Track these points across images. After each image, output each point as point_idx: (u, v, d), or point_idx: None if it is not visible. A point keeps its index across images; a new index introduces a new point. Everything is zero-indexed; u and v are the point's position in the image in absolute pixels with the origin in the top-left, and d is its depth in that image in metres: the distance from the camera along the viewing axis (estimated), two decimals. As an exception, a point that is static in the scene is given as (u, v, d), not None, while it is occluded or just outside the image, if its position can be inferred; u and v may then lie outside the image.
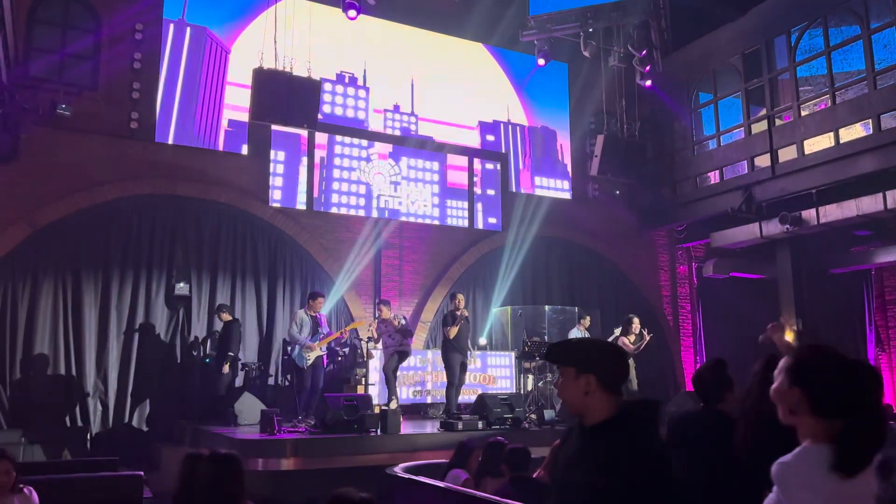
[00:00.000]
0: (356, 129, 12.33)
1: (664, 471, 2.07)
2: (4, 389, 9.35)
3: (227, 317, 9.92)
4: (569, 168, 14.37)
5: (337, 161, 12.06)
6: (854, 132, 10.98)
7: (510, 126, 13.96)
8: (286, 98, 9.37)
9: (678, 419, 3.81)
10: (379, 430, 8.12)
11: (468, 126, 13.48)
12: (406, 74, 12.95)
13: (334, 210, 11.88)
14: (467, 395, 10.10)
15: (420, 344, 11.91)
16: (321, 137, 11.92)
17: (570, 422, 2.35)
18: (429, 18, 13.13)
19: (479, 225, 13.16)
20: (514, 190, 13.65)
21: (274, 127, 11.01)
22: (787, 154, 11.91)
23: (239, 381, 10.29)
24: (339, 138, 12.12)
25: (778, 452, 1.97)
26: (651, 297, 14.46)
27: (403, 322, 9.45)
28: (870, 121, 10.67)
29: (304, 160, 11.77)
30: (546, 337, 11.31)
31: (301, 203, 11.64)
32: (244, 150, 11.38)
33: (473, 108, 13.52)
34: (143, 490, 5.82)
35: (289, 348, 9.58)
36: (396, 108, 12.85)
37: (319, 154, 11.92)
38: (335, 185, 11.97)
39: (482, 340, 12.17)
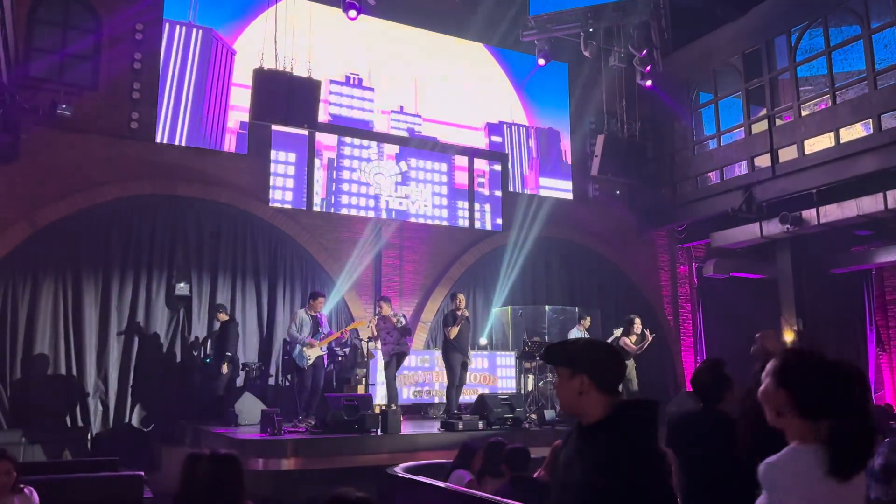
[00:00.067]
0: (355, 129, 12.33)
1: (655, 471, 2.08)
2: (5, 389, 9.35)
3: (224, 317, 9.93)
4: (569, 168, 14.39)
5: (337, 161, 12.06)
6: (854, 132, 10.98)
7: (516, 127, 13.98)
8: (286, 98, 9.37)
9: (678, 419, 3.81)
10: (379, 430, 8.11)
11: (474, 127, 13.51)
12: (407, 75, 12.95)
13: (334, 210, 11.89)
14: (468, 396, 10.10)
15: (420, 344, 11.92)
16: (330, 139, 11.97)
17: (569, 422, 2.36)
18: (429, 18, 13.13)
19: (487, 226, 13.16)
20: (519, 191, 13.67)
21: (282, 129, 11.07)
22: (787, 154, 11.91)
23: (240, 382, 10.30)
24: (342, 139, 12.13)
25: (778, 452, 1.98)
26: (651, 297, 14.46)
27: (403, 321, 9.45)
28: (870, 121, 10.66)
29: (317, 161, 11.82)
30: (546, 337, 11.31)
31: (317, 205, 11.69)
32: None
33: (475, 109, 13.52)
34: (143, 490, 5.82)
35: (289, 348, 9.59)
36: (401, 110, 12.87)
37: (328, 155, 11.96)
38: (335, 186, 11.97)
39: (482, 340, 12.17)
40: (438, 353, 10.30)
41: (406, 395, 10.76)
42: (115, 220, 10.25)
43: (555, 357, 2.31)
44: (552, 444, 4.50)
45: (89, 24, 10.67)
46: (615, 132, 12.84)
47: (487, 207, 13.24)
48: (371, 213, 12.12)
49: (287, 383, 10.61)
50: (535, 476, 4.42)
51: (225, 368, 9.56)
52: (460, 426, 8.48)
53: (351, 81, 12.50)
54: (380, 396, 9.90)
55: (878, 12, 10.82)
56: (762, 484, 1.91)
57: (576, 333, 10.67)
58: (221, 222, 10.97)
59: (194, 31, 11.32)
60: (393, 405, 9.08)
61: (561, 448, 2.39)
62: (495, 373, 11.48)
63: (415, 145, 12.72)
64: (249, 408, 9.15)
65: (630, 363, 10.39)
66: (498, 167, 13.57)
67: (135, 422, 9.98)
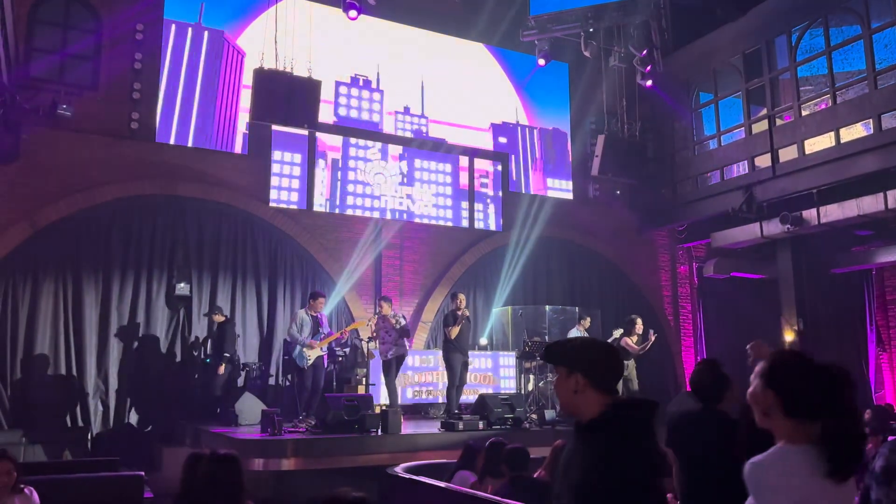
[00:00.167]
0: (356, 130, 12.33)
1: (646, 470, 2.08)
2: (5, 389, 9.35)
3: (220, 318, 9.92)
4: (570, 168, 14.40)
5: (341, 162, 12.07)
6: (855, 132, 10.97)
7: (522, 128, 14.00)
8: (286, 98, 9.38)
9: (678, 419, 3.81)
10: (380, 430, 8.11)
11: (480, 128, 13.54)
12: (410, 76, 12.97)
13: (338, 210, 11.88)
14: (468, 395, 10.10)
15: (421, 344, 11.93)
16: (336, 140, 12.01)
17: (570, 422, 2.37)
18: (429, 18, 13.14)
19: (488, 226, 13.17)
20: (526, 192, 13.68)
21: (286, 129, 11.13)
22: (787, 154, 11.90)
23: (240, 382, 10.31)
24: (347, 140, 12.15)
25: None
26: (652, 297, 14.46)
27: (402, 322, 9.42)
28: (870, 120, 10.66)
29: (320, 162, 11.86)
30: (547, 337, 11.32)
31: (319, 205, 11.72)
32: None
33: (477, 109, 13.53)
34: (143, 490, 5.83)
35: (289, 348, 9.58)
36: (406, 110, 12.88)
37: (333, 156, 11.99)
38: (339, 186, 11.97)
39: (483, 340, 12.17)
40: (439, 354, 10.32)
41: (407, 395, 10.76)
42: (115, 220, 10.25)
43: (552, 356, 2.33)
44: (552, 444, 4.51)
45: (90, 25, 10.67)
46: (615, 132, 12.84)
47: (488, 208, 13.24)
48: (375, 214, 12.12)
49: (287, 383, 10.61)
50: (535, 476, 4.43)
51: (222, 369, 9.56)
52: (460, 426, 8.48)
53: (358, 83, 12.52)
54: (381, 396, 9.90)
55: (878, 12, 10.82)
56: (748, 484, 1.92)
57: (575, 333, 10.67)
58: (221, 222, 10.97)
59: (205, 33, 11.38)
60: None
61: (562, 448, 2.40)
62: (498, 373, 11.49)
63: (416, 146, 12.73)
64: (250, 408, 9.15)
65: (630, 363, 10.40)
66: (499, 167, 13.58)
67: (135, 422, 9.97)
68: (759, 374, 1.99)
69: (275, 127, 10.99)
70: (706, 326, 14.89)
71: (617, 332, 10.77)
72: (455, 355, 9.23)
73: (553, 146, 14.29)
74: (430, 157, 12.83)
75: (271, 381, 10.84)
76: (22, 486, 4.56)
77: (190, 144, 11.02)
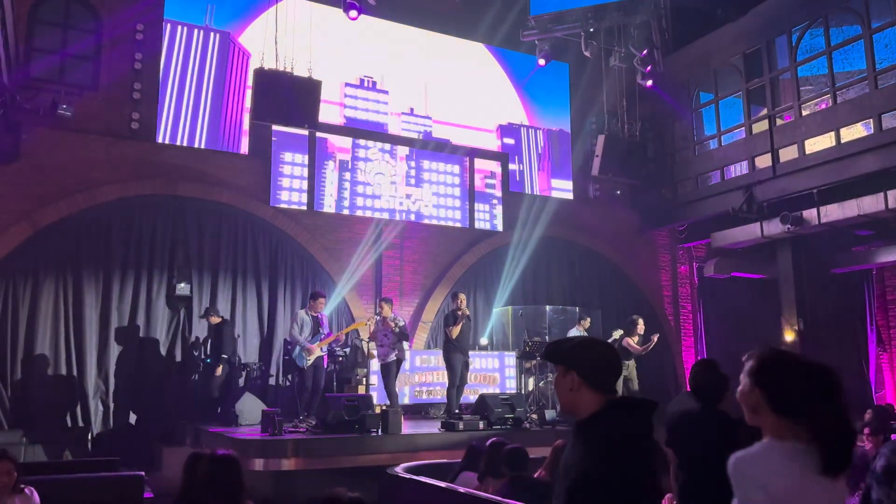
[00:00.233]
0: (356, 130, 12.33)
1: (635, 468, 2.09)
2: (6, 390, 9.35)
3: (216, 319, 9.89)
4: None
5: (344, 163, 12.06)
6: (855, 132, 10.97)
7: (527, 129, 14.02)
8: (287, 98, 9.38)
9: (678, 419, 3.82)
10: (380, 430, 8.11)
11: (486, 129, 13.60)
12: (409, 76, 12.96)
13: (346, 210, 11.88)
14: (469, 395, 10.10)
15: (421, 344, 11.93)
16: (344, 141, 12.06)
17: (570, 421, 2.38)
18: (429, 18, 13.13)
19: (492, 226, 13.18)
20: (532, 192, 13.72)
21: (294, 131, 11.23)
22: (788, 154, 11.90)
23: (241, 382, 10.31)
24: (356, 141, 12.19)
25: None
26: (652, 297, 14.46)
27: (402, 325, 9.36)
28: (871, 120, 10.66)
29: (329, 164, 11.90)
30: (547, 337, 11.32)
31: (329, 206, 11.75)
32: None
33: (479, 110, 13.54)
34: (143, 490, 5.83)
35: (290, 348, 9.58)
36: (411, 111, 12.92)
37: (341, 157, 12.02)
38: (348, 186, 11.97)
39: (483, 340, 12.18)
40: (439, 354, 10.33)
41: (407, 395, 10.76)
42: (115, 220, 10.25)
43: (550, 355, 2.35)
44: (553, 444, 4.51)
45: (90, 25, 10.68)
46: (616, 132, 12.84)
47: (494, 209, 13.24)
48: (376, 214, 12.12)
49: (287, 383, 10.61)
50: (535, 476, 4.42)
51: (219, 371, 9.55)
52: (461, 426, 8.48)
53: (365, 84, 12.57)
54: (381, 396, 9.90)
55: (878, 12, 10.82)
56: (731, 478, 1.94)
57: (575, 333, 10.67)
58: (222, 222, 10.97)
59: (214, 35, 11.41)
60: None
61: (562, 448, 2.41)
62: (504, 373, 11.51)
63: (419, 146, 12.75)
64: (250, 408, 9.15)
65: (631, 363, 10.42)
66: (512, 166, 13.68)
67: (135, 422, 9.97)
68: (747, 372, 2.04)
69: (283, 128, 11.04)
70: (706, 326, 14.89)
71: (617, 333, 10.77)
72: (456, 355, 9.23)
73: (560, 147, 14.33)
74: (433, 158, 12.84)
75: (272, 381, 10.84)
76: (22, 486, 4.56)
77: (202, 146, 11.04)
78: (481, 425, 8.67)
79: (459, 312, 9.26)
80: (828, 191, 11.51)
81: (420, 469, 5.85)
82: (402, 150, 12.62)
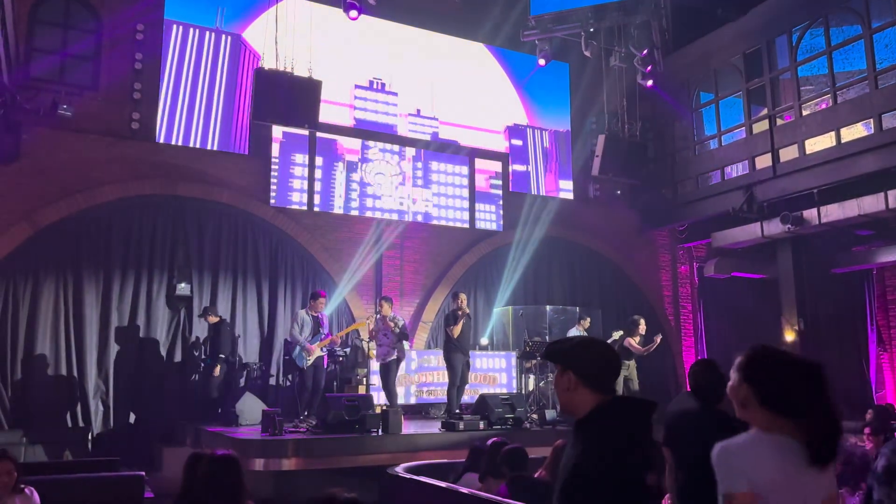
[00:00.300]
0: (356, 130, 12.33)
1: (626, 466, 2.10)
2: (6, 390, 9.35)
3: (214, 318, 9.89)
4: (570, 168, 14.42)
5: (351, 163, 12.08)
6: (855, 132, 10.97)
7: (533, 130, 14.04)
8: (287, 98, 9.38)
9: (677, 418, 3.82)
10: (380, 430, 8.12)
11: (493, 130, 13.64)
12: (410, 76, 12.96)
13: (335, 210, 11.88)
14: (468, 395, 10.10)
15: (422, 344, 11.93)
16: (354, 143, 12.14)
17: (570, 421, 2.40)
18: (429, 18, 13.13)
19: (492, 226, 13.18)
20: (539, 193, 13.73)
21: (299, 131, 11.29)
22: (788, 154, 11.90)
23: (241, 382, 10.31)
24: (365, 143, 12.18)
25: None
26: (652, 297, 14.46)
27: (402, 325, 9.33)
28: (871, 120, 10.66)
29: (339, 165, 11.95)
30: (547, 337, 11.32)
31: (338, 207, 11.78)
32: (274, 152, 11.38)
33: (481, 111, 13.54)
34: (144, 490, 5.83)
35: (290, 348, 9.58)
36: (418, 112, 12.96)
37: (349, 158, 12.10)
38: (332, 186, 11.98)
39: (483, 340, 12.18)
40: (440, 353, 10.34)
41: (408, 395, 10.76)
42: (115, 220, 10.25)
43: (549, 354, 2.37)
44: (553, 444, 4.51)
45: (90, 25, 10.68)
46: (616, 132, 12.83)
47: (488, 208, 13.25)
48: (376, 214, 12.13)
49: (288, 383, 10.61)
50: (535, 476, 4.43)
51: (217, 370, 9.55)
52: (461, 426, 8.48)
53: (374, 86, 12.61)
54: (379, 399, 9.90)
55: (878, 12, 10.81)
56: (715, 466, 1.99)
57: (575, 333, 10.67)
58: (222, 222, 10.97)
59: (223, 37, 11.44)
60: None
61: (563, 448, 2.41)
62: (511, 373, 11.52)
63: (422, 146, 12.77)
64: (251, 408, 9.15)
65: (632, 363, 10.41)
66: (520, 167, 13.73)
67: (135, 422, 9.97)
68: (736, 367, 2.11)
69: (294, 130, 11.14)
70: (707, 326, 14.88)
71: (616, 334, 10.78)
72: (456, 355, 9.22)
73: (567, 148, 14.38)
74: (435, 158, 12.86)
75: (272, 381, 10.84)
76: (22, 486, 4.56)
77: (214, 147, 11.08)
78: (481, 425, 8.67)
79: (460, 312, 9.26)
80: (828, 191, 11.51)
81: (420, 469, 5.85)
82: (407, 151, 12.64)
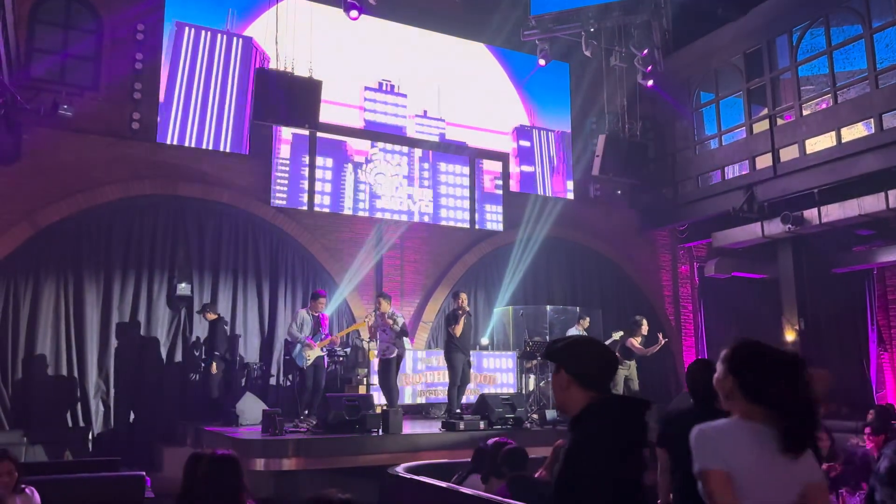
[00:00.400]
0: (356, 130, 12.33)
1: (614, 465, 2.13)
2: (6, 390, 9.36)
3: (212, 316, 9.90)
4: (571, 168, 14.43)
5: (352, 165, 12.08)
6: (856, 131, 10.97)
7: (539, 131, 14.06)
8: (287, 98, 9.38)
9: (673, 418, 3.82)
10: (381, 430, 8.11)
11: (501, 131, 13.70)
12: (413, 77, 12.97)
13: (344, 211, 11.88)
14: (469, 395, 10.10)
15: (422, 344, 11.93)
16: (363, 144, 12.21)
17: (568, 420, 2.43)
18: (429, 18, 13.13)
19: (493, 226, 13.18)
20: (545, 194, 13.76)
21: (319, 134, 11.43)
22: (788, 153, 11.90)
23: (241, 382, 10.31)
24: (375, 144, 12.25)
25: None
26: (653, 297, 14.46)
27: (401, 323, 9.26)
28: (871, 120, 10.65)
29: (348, 166, 12.01)
30: (548, 337, 11.32)
31: (348, 209, 11.82)
32: (284, 152, 11.40)
33: (481, 111, 13.54)
34: (144, 490, 5.83)
35: (290, 348, 9.58)
36: (424, 114, 13.01)
37: (357, 159, 12.16)
38: (342, 188, 11.98)
39: (484, 340, 12.18)
40: (441, 353, 10.35)
41: (408, 395, 10.76)
42: (116, 220, 10.26)
43: (546, 354, 2.41)
44: (553, 443, 4.51)
45: (90, 25, 10.68)
46: (616, 132, 12.83)
47: (488, 208, 13.25)
48: (377, 214, 12.13)
49: (288, 383, 10.62)
50: (536, 476, 4.43)
51: (214, 368, 9.54)
52: (461, 426, 8.48)
53: (383, 88, 12.65)
54: (381, 396, 9.90)
55: (879, 12, 10.81)
56: (693, 448, 2.07)
57: (574, 333, 10.67)
58: (222, 222, 10.97)
59: (234, 39, 11.47)
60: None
61: (562, 447, 2.42)
62: (516, 373, 11.53)
63: (428, 147, 12.81)
64: (251, 408, 9.15)
65: (632, 363, 10.41)
66: (529, 168, 13.77)
67: (135, 422, 9.97)
68: (721, 360, 2.20)
69: (299, 131, 11.20)
70: (707, 326, 14.88)
71: (616, 335, 10.78)
72: (457, 355, 9.21)
73: (569, 149, 14.41)
74: (436, 159, 12.87)
75: (272, 381, 10.85)
76: (23, 486, 4.56)
77: (227, 149, 11.13)
78: (482, 425, 8.67)
79: (460, 311, 9.26)
80: (828, 190, 11.51)
81: (421, 469, 5.84)
82: (414, 152, 12.68)
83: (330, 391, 9.58)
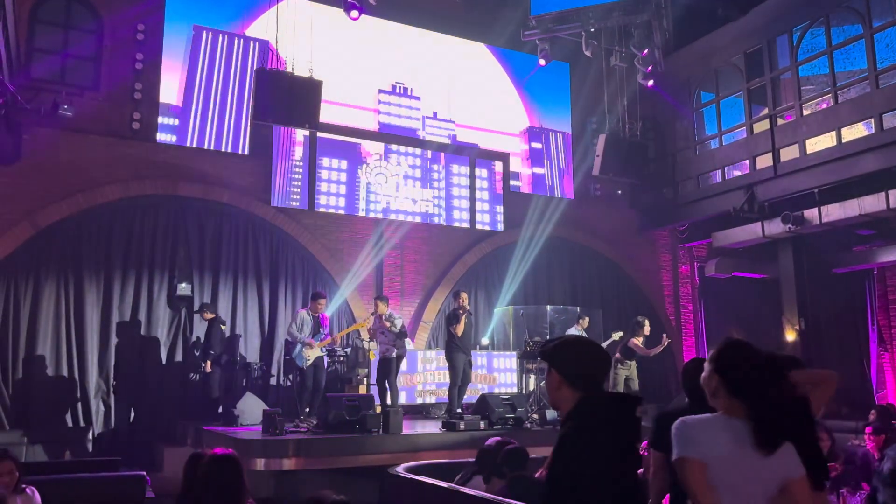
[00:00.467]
0: (356, 130, 12.32)
1: (600, 463, 2.15)
2: (7, 389, 9.36)
3: (209, 315, 9.88)
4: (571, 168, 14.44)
5: (335, 163, 12.08)
6: (856, 131, 10.97)
7: (546, 132, 14.10)
8: (287, 98, 9.37)
9: (668, 418, 3.80)
10: (381, 430, 8.11)
11: (511, 133, 13.77)
12: (413, 78, 12.99)
13: (334, 210, 11.89)
14: (469, 395, 10.10)
15: (422, 344, 11.93)
16: (377, 147, 12.34)
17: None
18: (430, 18, 13.12)
19: (493, 226, 13.20)
20: (552, 195, 13.82)
21: (329, 136, 11.58)
22: (789, 153, 11.89)
23: (242, 382, 10.30)
24: (388, 146, 12.37)
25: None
26: (653, 297, 14.45)
27: (399, 324, 9.22)
28: (872, 120, 10.65)
29: (363, 168, 12.12)
30: (548, 337, 11.31)
31: (361, 210, 11.89)
32: (296, 153, 11.42)
33: (481, 111, 13.55)
34: (145, 490, 5.83)
35: (290, 348, 9.57)
36: (434, 115, 13.07)
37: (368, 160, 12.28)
38: (331, 187, 11.98)
39: (484, 340, 12.18)
40: (441, 353, 10.34)
41: (409, 395, 10.76)
42: (116, 220, 10.26)
43: (539, 354, 2.50)
44: (553, 444, 4.50)
45: (91, 25, 10.68)
46: (617, 132, 12.83)
47: (489, 208, 13.25)
48: (378, 214, 12.13)
49: (288, 383, 10.61)
50: (536, 476, 4.43)
51: (209, 366, 9.53)
52: (462, 426, 8.47)
53: (397, 90, 12.70)
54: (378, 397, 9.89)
55: (879, 11, 10.81)
56: (673, 437, 2.16)
57: (573, 332, 10.67)
58: (223, 222, 10.97)
59: (251, 43, 11.55)
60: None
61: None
62: (516, 372, 11.53)
63: (435, 149, 12.84)
64: (251, 408, 9.15)
65: (633, 363, 10.41)
66: (540, 170, 13.81)
67: (136, 422, 9.97)
68: (708, 359, 2.32)
69: (328, 136, 11.42)
70: (707, 326, 14.88)
71: (616, 335, 10.78)
72: (458, 355, 9.20)
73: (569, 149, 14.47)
74: (437, 159, 12.88)
75: (272, 381, 10.85)
76: (24, 486, 4.56)
77: (244, 152, 11.20)
78: (482, 425, 8.66)
79: (461, 310, 9.25)
80: (829, 190, 11.50)
81: (421, 469, 5.84)
82: (417, 153, 12.68)
83: (330, 391, 9.58)
